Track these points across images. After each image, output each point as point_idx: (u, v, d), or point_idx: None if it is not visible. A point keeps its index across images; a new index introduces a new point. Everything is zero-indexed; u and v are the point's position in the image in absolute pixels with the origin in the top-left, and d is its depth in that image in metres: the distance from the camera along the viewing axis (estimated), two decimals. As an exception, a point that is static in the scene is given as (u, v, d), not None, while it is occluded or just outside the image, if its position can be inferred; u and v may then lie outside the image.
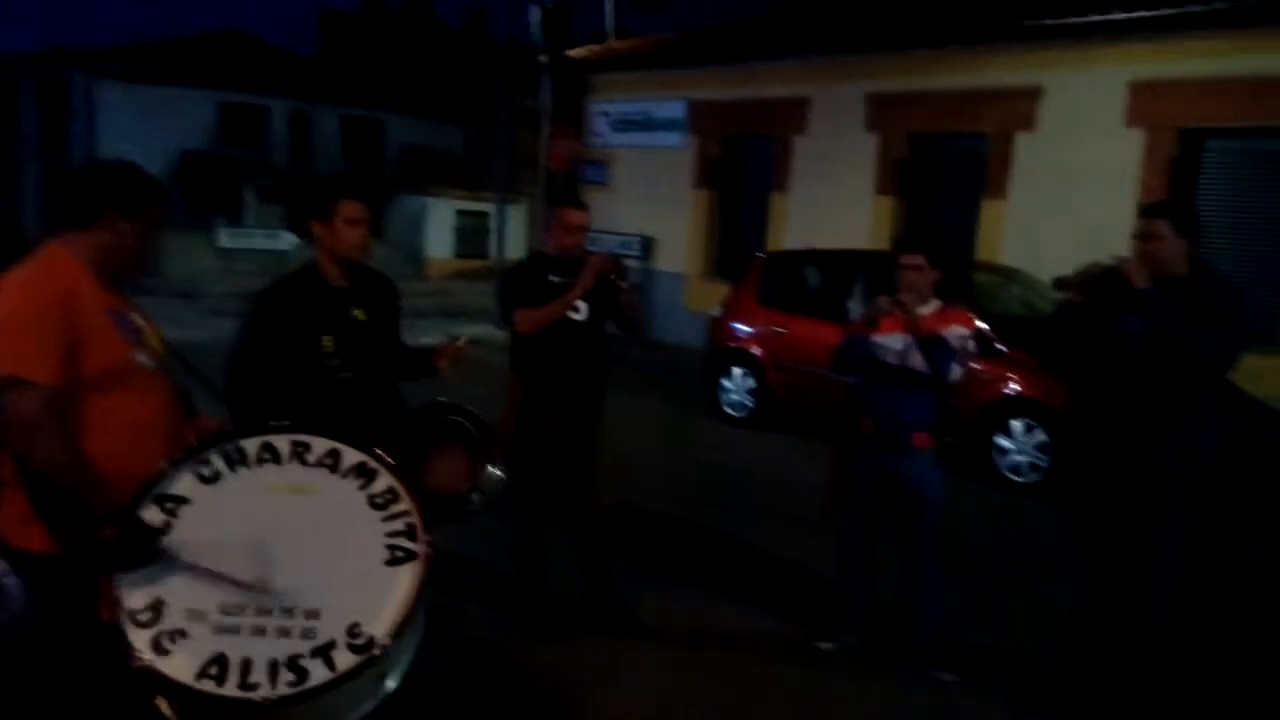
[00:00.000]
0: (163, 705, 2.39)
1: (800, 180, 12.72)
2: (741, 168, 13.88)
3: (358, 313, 3.33)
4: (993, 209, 10.90)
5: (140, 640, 2.31)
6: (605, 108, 15.14)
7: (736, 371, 9.42)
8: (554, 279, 4.11)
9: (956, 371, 3.94)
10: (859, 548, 4.24)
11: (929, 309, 4.03)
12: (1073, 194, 10.08)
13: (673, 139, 14.20)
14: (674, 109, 14.17)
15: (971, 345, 4.00)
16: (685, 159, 14.10)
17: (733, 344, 9.46)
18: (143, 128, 25.13)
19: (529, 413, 4.16)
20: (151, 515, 2.46)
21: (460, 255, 29.25)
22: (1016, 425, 7.37)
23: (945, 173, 11.71)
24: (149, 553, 2.36)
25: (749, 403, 9.32)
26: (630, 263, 14.52)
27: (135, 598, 2.35)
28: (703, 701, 3.82)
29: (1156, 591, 3.59)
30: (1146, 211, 3.61)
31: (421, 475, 3.13)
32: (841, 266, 9.19)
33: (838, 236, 11.23)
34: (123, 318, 2.47)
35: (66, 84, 26.42)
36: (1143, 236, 3.55)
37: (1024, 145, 10.59)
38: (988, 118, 10.87)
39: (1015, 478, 7.32)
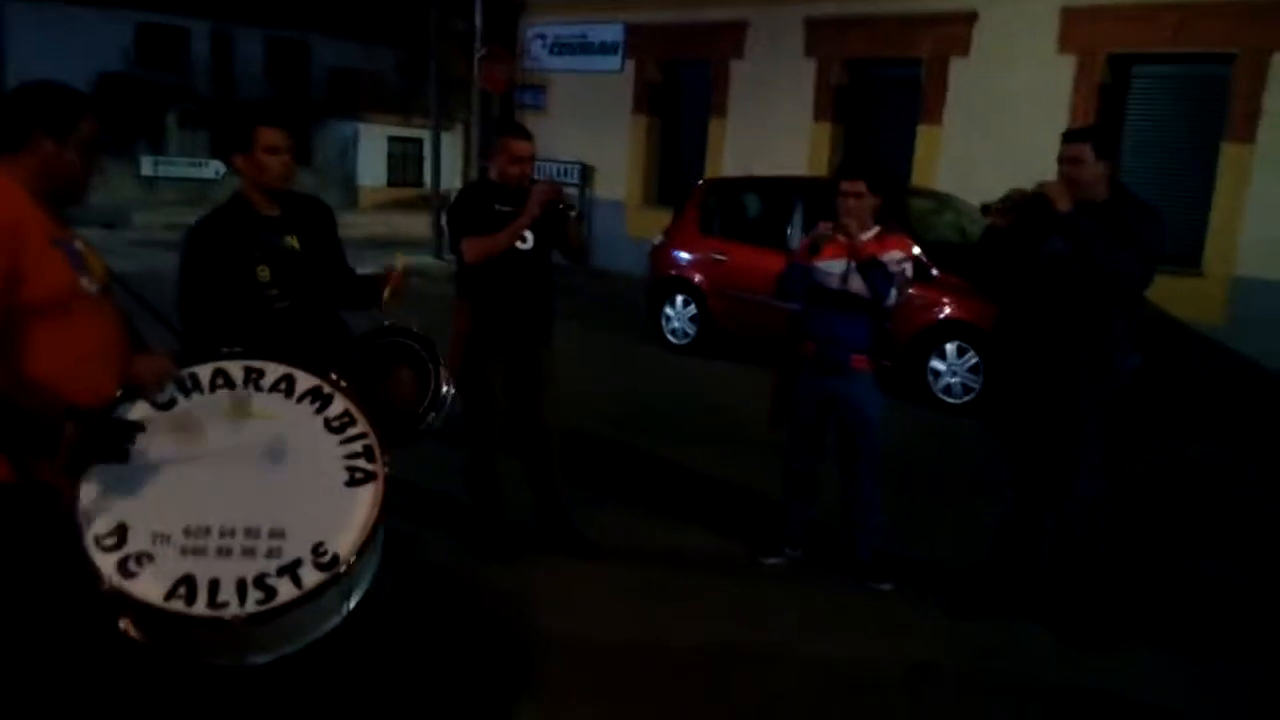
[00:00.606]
0: (128, 627, 2.44)
1: (739, 106, 12.71)
2: (680, 93, 13.80)
3: (291, 240, 3.30)
4: (928, 134, 11.04)
5: (107, 564, 2.33)
6: (541, 30, 14.88)
7: (678, 299, 9.51)
8: (501, 208, 4.11)
9: (895, 295, 4.06)
10: (801, 468, 4.40)
11: (869, 235, 4.13)
12: (1006, 120, 10.25)
13: (610, 63, 14.06)
14: (612, 32, 14.00)
15: (909, 270, 4.12)
16: (623, 83, 13.98)
17: (674, 272, 9.53)
18: (57, 50, 24.02)
19: (477, 340, 4.19)
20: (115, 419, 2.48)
21: (393, 183, 28.77)
22: (950, 349, 7.60)
23: (882, 99, 11.80)
24: (117, 436, 2.38)
25: (690, 330, 9.43)
26: (569, 190, 14.47)
27: (99, 523, 2.37)
28: (648, 617, 3.95)
29: (1078, 504, 3.79)
30: (1069, 136, 3.74)
31: (378, 397, 3.16)
32: (780, 193, 9.26)
33: (776, 163, 11.30)
34: (68, 246, 2.44)
35: (-29, 2, 25.08)
36: (1066, 160, 3.68)
37: (959, 71, 10.72)
38: (923, 43, 10.94)
39: (949, 399, 7.56)
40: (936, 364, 7.66)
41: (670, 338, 9.55)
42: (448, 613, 3.98)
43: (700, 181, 10.35)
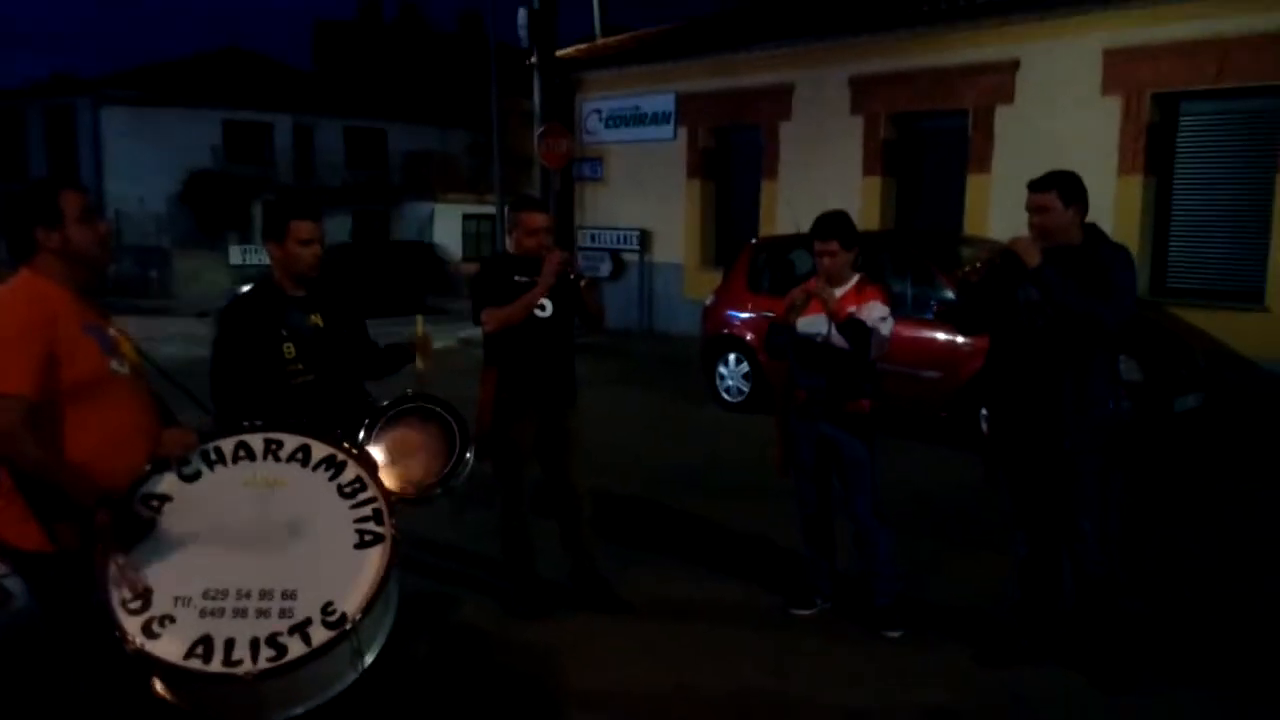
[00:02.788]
0: (157, 686, 2.64)
1: (789, 166, 12.90)
2: (732, 156, 14.06)
3: (315, 319, 3.57)
4: (978, 183, 11.04)
5: (132, 626, 2.56)
6: (596, 105, 15.36)
7: (731, 358, 9.63)
8: (519, 279, 4.34)
9: (875, 348, 4.17)
10: (813, 513, 4.50)
11: (847, 287, 4.29)
12: (1054, 164, 10.11)
13: (664, 132, 14.40)
14: (663, 102, 14.37)
15: (887, 325, 4.22)
16: (677, 150, 14.29)
17: (726, 331, 9.67)
18: (149, 150, 25.46)
19: (504, 405, 4.39)
20: (139, 512, 2.71)
21: (469, 258, 29.54)
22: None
23: (930, 150, 11.85)
24: (142, 527, 2.61)
25: (744, 387, 9.52)
26: (628, 256, 14.78)
27: (126, 588, 2.60)
28: (679, 674, 4.03)
29: (1085, 541, 3.79)
30: (1034, 185, 3.80)
31: (400, 465, 3.37)
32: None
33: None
34: (99, 331, 2.70)
35: (72, 112, 26.83)
36: (1033, 209, 3.76)
37: (1004, 118, 10.72)
38: (968, 93, 11.01)
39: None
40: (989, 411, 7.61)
41: (725, 396, 9.65)
42: (480, 669, 4.13)
43: (751, 241, 10.50)
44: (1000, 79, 10.71)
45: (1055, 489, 3.82)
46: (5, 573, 2.93)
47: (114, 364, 2.71)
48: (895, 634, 4.28)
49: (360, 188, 29.46)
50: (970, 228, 10.89)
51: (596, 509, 4.81)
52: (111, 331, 2.78)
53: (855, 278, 4.32)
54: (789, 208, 11.62)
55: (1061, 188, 3.73)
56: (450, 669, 4.09)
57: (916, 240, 9.62)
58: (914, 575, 4.72)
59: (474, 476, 4.13)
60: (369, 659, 2.82)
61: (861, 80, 12.01)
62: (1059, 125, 10.18)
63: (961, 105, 11.11)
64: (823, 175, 12.28)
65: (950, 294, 7.77)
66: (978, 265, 3.89)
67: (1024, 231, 3.81)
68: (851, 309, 4.18)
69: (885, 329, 4.17)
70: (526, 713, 3.76)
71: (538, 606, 4.53)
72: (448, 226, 29.65)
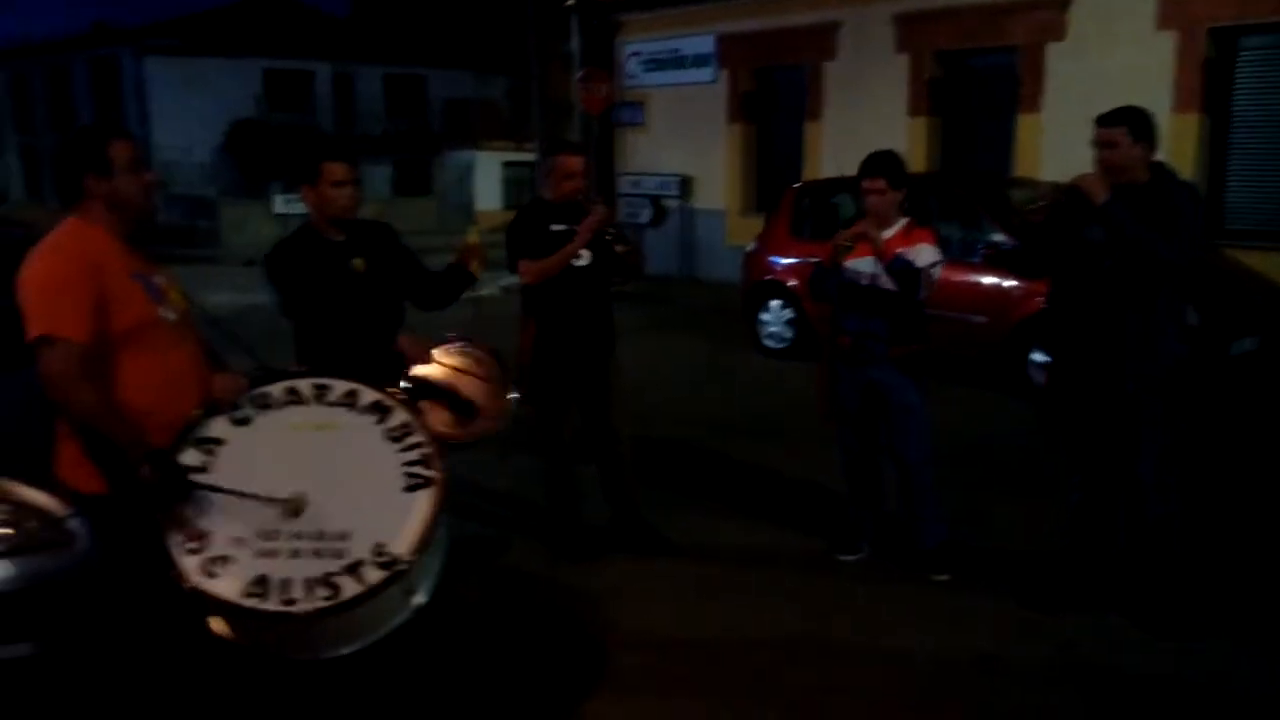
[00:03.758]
0: (216, 624, 2.71)
1: (833, 107, 12.68)
2: (774, 99, 13.83)
3: (357, 263, 3.57)
4: (1028, 123, 10.79)
5: (190, 566, 2.62)
6: (636, 48, 15.13)
7: (774, 304, 9.54)
8: (556, 227, 4.32)
9: (923, 289, 4.11)
10: (855, 459, 4.47)
11: (894, 230, 4.20)
12: (1107, 103, 9.75)
13: (704, 74, 14.18)
14: (703, 44, 14.13)
15: (938, 265, 4.14)
16: (718, 94, 14.08)
17: (768, 277, 9.58)
18: (192, 100, 25.57)
19: (543, 353, 4.40)
20: (191, 457, 2.76)
21: (509, 206, 29.47)
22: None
23: (978, 89, 11.59)
24: (184, 488, 2.65)
25: (788, 334, 9.45)
26: (669, 202, 14.65)
27: (183, 530, 2.66)
28: (724, 618, 4.07)
29: (1144, 488, 3.74)
30: (1103, 120, 3.70)
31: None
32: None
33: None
34: (146, 278, 2.73)
35: (116, 62, 26.99)
36: (1100, 144, 3.65)
37: (1055, 56, 10.43)
38: (1017, 30, 10.71)
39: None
40: (1037, 356, 7.50)
41: (767, 342, 9.60)
42: (529, 611, 4.19)
43: (793, 186, 10.37)
44: (1051, 15, 10.40)
45: (1115, 433, 3.76)
46: (69, 514, 3.01)
47: (162, 310, 2.74)
48: (942, 578, 4.28)
49: (401, 136, 29.41)
50: (1020, 168, 10.67)
51: (640, 455, 4.83)
52: (158, 279, 2.81)
53: (903, 220, 4.24)
54: (837, 163, 11.51)
55: (1131, 123, 3.63)
56: (500, 611, 4.16)
57: (964, 182, 9.44)
58: (960, 520, 4.69)
59: (517, 422, 4.18)
60: (421, 600, 2.86)
61: (907, 17, 11.73)
62: (1112, 62, 9.88)
63: (1011, 42, 10.83)
64: (868, 116, 12.06)
65: (999, 237, 7.63)
66: (1040, 205, 3.78)
67: (1082, 171, 3.72)
68: (900, 250, 4.11)
69: (935, 273, 4.11)
70: (575, 654, 3.82)
71: (584, 550, 4.58)
72: (488, 174, 29.57)
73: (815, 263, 4.49)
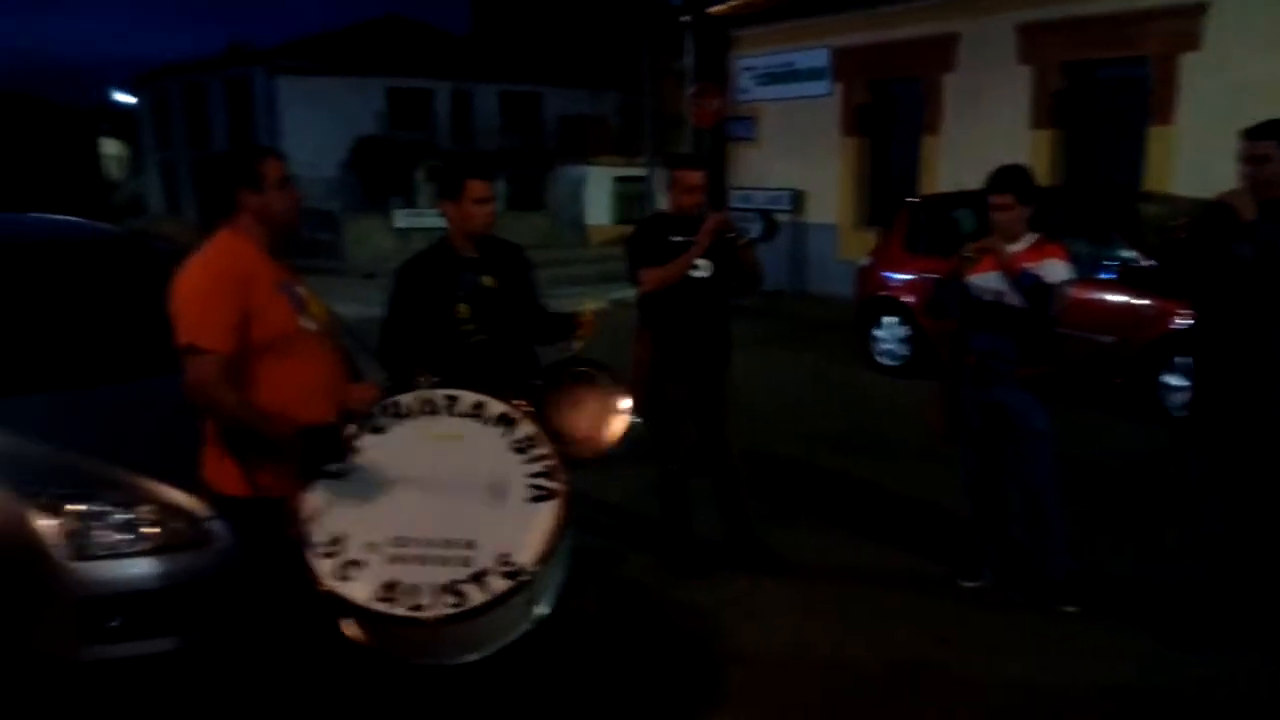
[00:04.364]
0: (348, 627, 2.80)
1: (952, 120, 12.43)
2: (890, 112, 13.64)
3: (488, 280, 3.65)
4: (1160, 135, 10.38)
5: (324, 569, 2.71)
6: (749, 62, 15.12)
7: (888, 320, 9.39)
8: (675, 239, 4.34)
9: (1054, 306, 3.98)
10: (977, 482, 4.34)
11: (1022, 245, 4.07)
12: (1246, 115, 9.37)
13: (818, 88, 14.07)
14: (817, 57, 14.03)
15: (1068, 281, 4.01)
16: (832, 107, 13.96)
17: (882, 293, 9.43)
18: (319, 117, 26.60)
19: (659, 366, 4.42)
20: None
21: (619, 221, 29.73)
22: (1183, 362, 7.11)
23: (1106, 101, 11.20)
24: (338, 447, 2.74)
25: (903, 351, 9.28)
26: (780, 217, 14.57)
27: (319, 534, 2.76)
28: (837, 639, 4.01)
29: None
30: (1251, 133, 3.55)
31: (563, 424, 3.44)
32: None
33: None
34: (290, 289, 2.85)
35: (249, 82, 28.27)
36: (1248, 159, 3.49)
37: (1189, 66, 10.01)
38: (1148, 39, 10.32)
39: (1185, 415, 7.06)
40: (1170, 379, 7.19)
41: (881, 359, 9.44)
42: (641, 624, 4.21)
43: (909, 200, 10.19)
44: (1185, 23, 9.99)
45: (1262, 461, 3.57)
46: (210, 515, 3.15)
47: (303, 320, 2.86)
48: (1071, 609, 4.12)
49: (515, 152, 29.98)
50: (1151, 182, 10.26)
51: (754, 470, 4.81)
52: (301, 289, 2.93)
53: (1033, 235, 4.11)
54: (955, 178, 11.25)
55: None
56: (616, 624, 4.18)
57: (1092, 196, 9.13)
58: (1089, 549, 4.52)
59: (632, 436, 4.20)
60: (543, 610, 2.90)
61: (1030, 27, 11.43)
62: (1251, 72, 9.43)
63: (1141, 52, 10.44)
64: (989, 129, 11.78)
65: (1130, 253, 7.35)
66: (1183, 221, 3.63)
67: (1220, 186, 3.57)
68: (1028, 266, 3.99)
69: (1067, 290, 3.98)
70: (687, 670, 3.82)
71: (696, 565, 4.57)
72: (599, 189, 29.88)
73: (934, 278, 4.40)
